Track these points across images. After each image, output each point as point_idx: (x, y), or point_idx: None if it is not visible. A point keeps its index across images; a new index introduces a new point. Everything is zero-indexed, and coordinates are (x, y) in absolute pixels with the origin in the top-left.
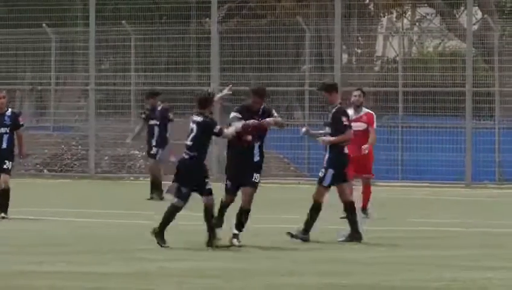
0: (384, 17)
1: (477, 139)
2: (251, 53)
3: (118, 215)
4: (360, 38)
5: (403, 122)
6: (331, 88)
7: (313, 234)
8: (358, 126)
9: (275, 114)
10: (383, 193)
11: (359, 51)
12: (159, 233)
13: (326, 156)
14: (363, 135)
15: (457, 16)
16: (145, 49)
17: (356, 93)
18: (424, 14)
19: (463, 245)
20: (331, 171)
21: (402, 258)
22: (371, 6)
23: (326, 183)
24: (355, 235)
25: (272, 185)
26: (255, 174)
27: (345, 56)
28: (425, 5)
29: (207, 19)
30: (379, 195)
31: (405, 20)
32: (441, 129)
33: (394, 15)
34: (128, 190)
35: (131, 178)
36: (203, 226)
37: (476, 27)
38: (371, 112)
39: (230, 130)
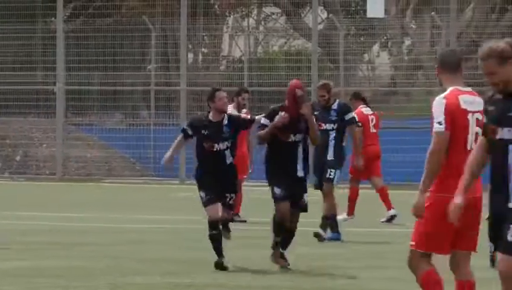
0: (229, 16)
1: None
2: (97, 52)
3: None
4: (205, 37)
5: None
6: None
7: (157, 233)
8: None
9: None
10: None
11: (205, 50)
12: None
13: None
14: None
15: (302, 15)
16: None
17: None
18: (269, 14)
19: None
20: None
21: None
22: (217, 6)
23: None
24: None
25: (117, 185)
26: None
27: (190, 55)
28: (271, 4)
29: (53, 18)
30: None
31: (251, 20)
32: None
33: (240, 14)
34: None
35: None
36: (43, 226)
37: (321, 27)
38: None
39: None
